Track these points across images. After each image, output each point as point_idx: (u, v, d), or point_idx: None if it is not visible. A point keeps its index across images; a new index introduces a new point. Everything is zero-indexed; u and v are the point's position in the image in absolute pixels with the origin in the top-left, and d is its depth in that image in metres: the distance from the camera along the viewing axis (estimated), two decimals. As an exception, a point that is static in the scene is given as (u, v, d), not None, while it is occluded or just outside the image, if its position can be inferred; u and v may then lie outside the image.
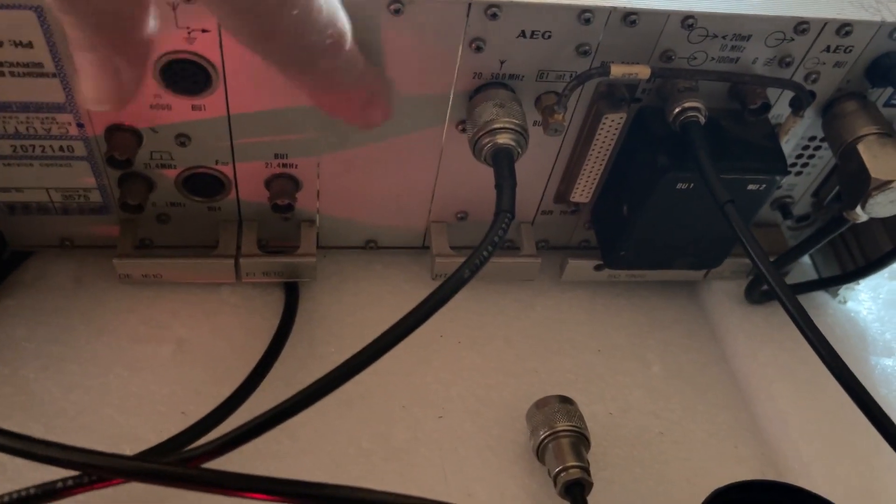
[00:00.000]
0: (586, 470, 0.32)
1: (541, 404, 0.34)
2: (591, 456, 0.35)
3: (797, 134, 0.38)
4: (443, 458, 0.34)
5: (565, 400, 0.34)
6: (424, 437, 0.35)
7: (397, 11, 0.29)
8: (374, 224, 0.41)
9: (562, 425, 0.33)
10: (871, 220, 0.37)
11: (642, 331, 0.41)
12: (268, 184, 0.37)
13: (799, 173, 0.41)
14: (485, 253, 0.29)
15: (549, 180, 0.39)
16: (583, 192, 0.38)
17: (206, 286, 0.38)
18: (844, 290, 0.44)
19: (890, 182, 0.33)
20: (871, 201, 0.34)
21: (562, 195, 0.40)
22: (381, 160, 0.36)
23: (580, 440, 0.33)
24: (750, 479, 0.31)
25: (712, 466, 0.36)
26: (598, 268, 0.41)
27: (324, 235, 0.41)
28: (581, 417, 0.34)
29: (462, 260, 0.40)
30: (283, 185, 0.36)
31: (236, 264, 0.37)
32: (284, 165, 0.36)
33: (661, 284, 0.43)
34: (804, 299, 0.43)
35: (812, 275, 0.46)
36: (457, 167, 0.37)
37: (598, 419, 0.37)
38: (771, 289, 0.30)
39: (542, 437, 0.33)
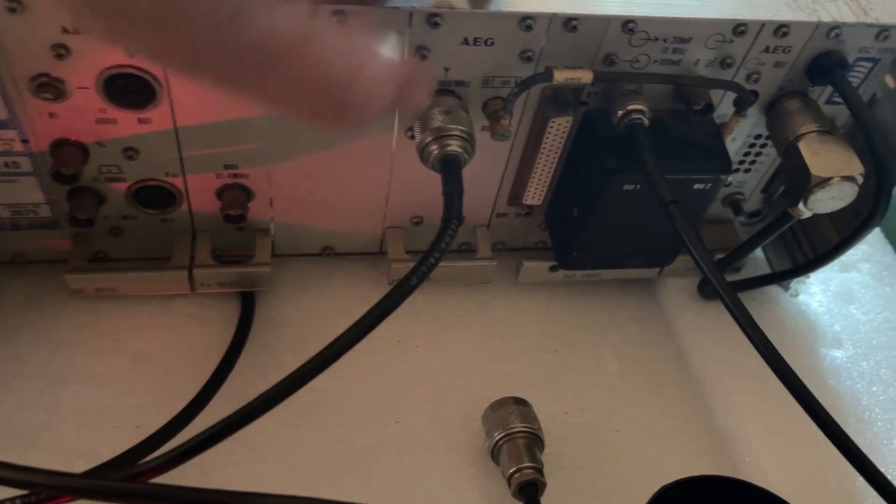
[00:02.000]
0: (539, 470, 0.32)
1: (496, 406, 0.35)
2: (548, 456, 0.35)
3: (743, 132, 0.39)
4: (402, 462, 0.35)
5: (520, 401, 0.35)
6: (383, 442, 0.35)
7: (340, 21, 0.30)
8: (330, 231, 0.41)
9: (516, 427, 0.34)
10: (818, 215, 0.38)
11: (599, 329, 0.42)
12: (219, 194, 0.37)
13: (748, 170, 0.42)
14: (432, 260, 0.30)
15: (501, 183, 0.39)
16: (534, 194, 0.39)
17: (161, 298, 0.38)
18: (796, 284, 0.45)
19: (829, 179, 0.34)
20: (812, 198, 0.35)
21: (515, 198, 0.40)
22: (332, 167, 0.37)
23: (534, 441, 0.33)
24: (704, 474, 0.31)
25: (669, 462, 0.37)
26: (553, 269, 0.42)
27: (280, 243, 0.41)
28: (535, 418, 0.34)
29: (419, 264, 0.41)
30: (235, 196, 0.37)
31: (190, 276, 0.37)
32: (235, 176, 0.36)
33: (618, 283, 0.44)
34: (757, 294, 0.45)
35: (766, 269, 0.47)
36: (409, 173, 0.38)
37: (555, 419, 0.37)
38: (712, 286, 0.31)
39: (497, 438, 0.34)
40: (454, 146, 0.32)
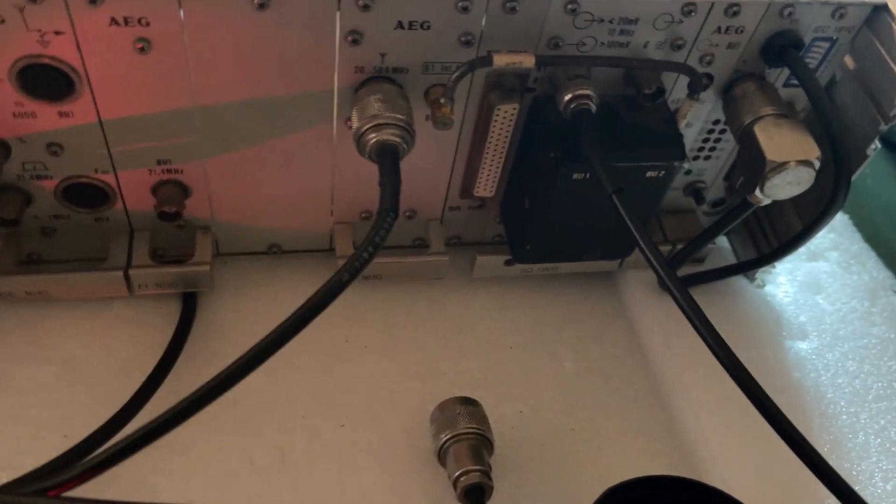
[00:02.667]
0: (486, 473, 0.31)
1: (444, 407, 0.33)
2: (501, 458, 0.34)
3: (700, 117, 0.38)
4: (342, 468, 0.33)
5: (469, 401, 0.33)
6: (324, 447, 0.34)
7: (262, 6, 0.28)
8: (275, 228, 0.39)
9: (463, 428, 0.32)
10: (783, 203, 0.37)
11: (556, 325, 0.40)
12: (154, 191, 0.35)
13: (707, 157, 0.40)
14: (365, 255, 0.28)
15: (451, 175, 0.38)
16: (485, 186, 0.37)
17: (97, 301, 0.37)
18: (762, 274, 0.43)
19: (785, 163, 0.33)
20: (768, 183, 0.33)
21: (467, 190, 0.39)
22: (271, 162, 0.35)
23: (482, 443, 0.32)
24: (659, 474, 0.30)
25: (624, 463, 0.35)
26: (508, 263, 0.40)
27: (224, 242, 0.39)
28: (485, 419, 0.33)
29: (374, 260, 0.39)
30: (170, 192, 0.35)
31: (126, 277, 0.36)
32: (169, 171, 0.34)
33: (577, 276, 0.42)
34: (721, 285, 0.43)
35: (732, 260, 0.45)
36: (354, 166, 0.36)
37: (507, 419, 0.36)
38: (660, 279, 0.29)
39: (443, 440, 0.32)
40: (391, 135, 0.30)
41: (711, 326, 0.29)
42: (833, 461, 0.35)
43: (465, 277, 0.41)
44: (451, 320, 0.40)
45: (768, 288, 0.43)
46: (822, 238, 0.46)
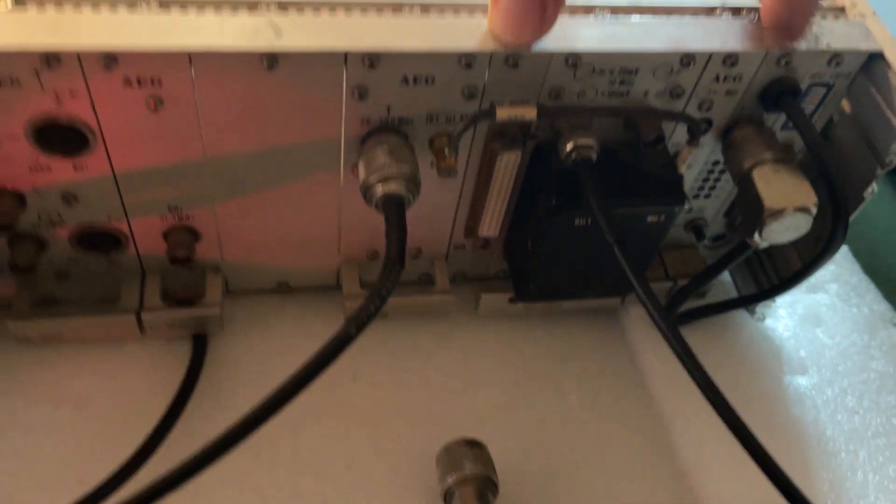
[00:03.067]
0: (491, 516, 0.32)
1: (449, 449, 0.34)
2: (505, 495, 0.34)
3: (700, 160, 0.38)
4: (350, 509, 0.34)
5: (474, 444, 0.34)
6: (332, 487, 0.34)
7: (271, 66, 0.29)
8: (283, 266, 0.40)
9: (468, 471, 0.33)
10: (781, 240, 0.37)
11: (560, 360, 0.41)
12: (166, 236, 0.36)
13: (708, 196, 0.41)
14: (372, 308, 0.29)
15: (456, 215, 0.39)
16: (489, 227, 0.38)
17: (110, 343, 0.38)
18: (762, 307, 0.44)
19: (783, 210, 0.33)
20: (766, 229, 0.34)
21: (471, 230, 0.40)
22: (279, 206, 0.36)
23: (486, 485, 0.33)
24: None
25: (630, 498, 0.36)
26: (511, 300, 0.41)
27: (233, 280, 0.40)
28: (489, 461, 0.34)
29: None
30: (181, 237, 0.36)
31: (138, 319, 0.37)
32: (180, 218, 0.35)
33: (581, 312, 0.43)
34: (722, 318, 0.44)
35: (733, 292, 0.46)
36: (360, 209, 0.36)
37: (512, 456, 0.37)
38: (654, 322, 0.30)
39: (449, 483, 0.33)
40: (397, 187, 0.31)
41: (707, 375, 0.29)
42: (832, 500, 0.36)
43: (471, 312, 0.42)
44: (456, 356, 0.40)
45: (768, 321, 0.44)
46: (823, 270, 0.47)
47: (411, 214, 0.37)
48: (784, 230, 0.34)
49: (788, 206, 0.33)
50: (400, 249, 0.30)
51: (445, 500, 0.33)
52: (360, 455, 0.36)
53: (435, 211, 0.38)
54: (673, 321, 0.30)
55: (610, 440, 0.38)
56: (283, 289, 0.41)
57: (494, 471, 0.33)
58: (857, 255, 0.49)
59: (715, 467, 0.37)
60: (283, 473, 0.35)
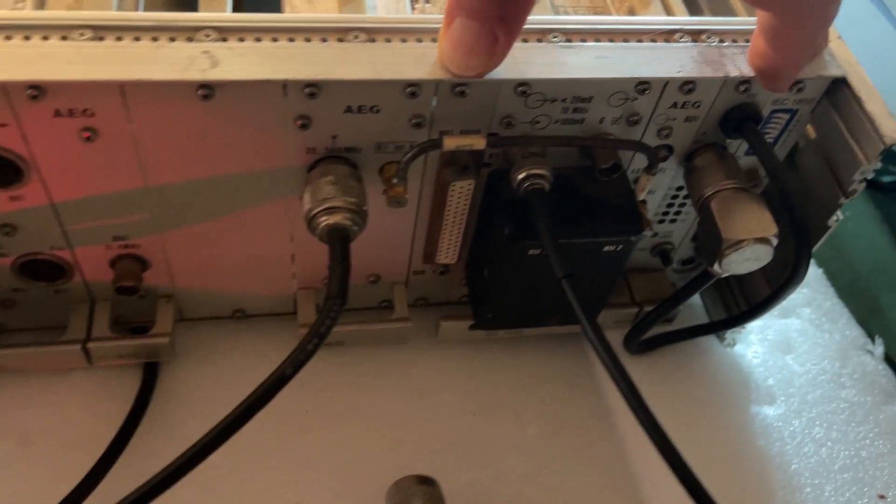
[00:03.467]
0: (438, 558, 0.31)
1: (399, 486, 0.33)
2: (457, 533, 0.34)
3: (663, 185, 0.37)
4: (295, 548, 0.33)
5: (425, 481, 0.33)
6: (279, 525, 0.34)
7: (206, 97, 0.28)
8: (238, 293, 0.39)
9: (417, 509, 0.32)
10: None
11: (522, 388, 0.40)
12: (112, 264, 0.35)
13: (673, 220, 0.40)
14: (310, 346, 0.28)
15: (413, 241, 0.38)
16: (446, 254, 0.37)
17: (57, 372, 0.37)
18: (732, 333, 0.43)
19: (741, 241, 0.32)
20: (725, 260, 0.33)
21: (429, 256, 0.39)
22: (229, 234, 0.35)
23: (435, 524, 0.32)
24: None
25: (585, 534, 0.35)
26: (472, 328, 0.40)
27: (187, 308, 0.39)
28: (440, 499, 0.33)
29: (336, 328, 0.39)
30: (128, 266, 0.35)
31: (85, 349, 0.36)
32: (126, 246, 0.34)
33: (544, 339, 0.42)
34: (690, 345, 0.43)
35: (704, 317, 0.45)
36: (311, 237, 0.36)
37: (468, 490, 0.36)
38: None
39: (397, 522, 0.32)
40: (342, 219, 0.30)
41: (651, 414, 0.28)
42: (794, 537, 0.35)
43: (432, 339, 0.41)
44: (414, 385, 0.39)
45: (738, 347, 0.43)
46: (795, 294, 0.45)
47: (366, 240, 0.36)
48: (744, 261, 0.33)
49: (748, 237, 0.32)
50: (342, 284, 0.29)
51: (393, 539, 0.32)
52: (309, 491, 0.35)
53: (391, 237, 0.37)
54: (614, 356, 0.29)
55: (570, 471, 0.37)
56: (240, 315, 0.40)
57: (444, 509, 0.33)
58: (834, 276, 0.48)
59: (672, 500, 0.36)
60: (231, 509, 0.34)
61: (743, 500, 0.36)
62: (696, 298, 0.45)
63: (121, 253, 0.35)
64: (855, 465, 0.38)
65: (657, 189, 0.38)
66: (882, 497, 0.37)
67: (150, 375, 0.37)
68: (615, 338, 0.42)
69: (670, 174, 0.37)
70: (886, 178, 0.60)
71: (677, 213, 0.39)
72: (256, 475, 0.35)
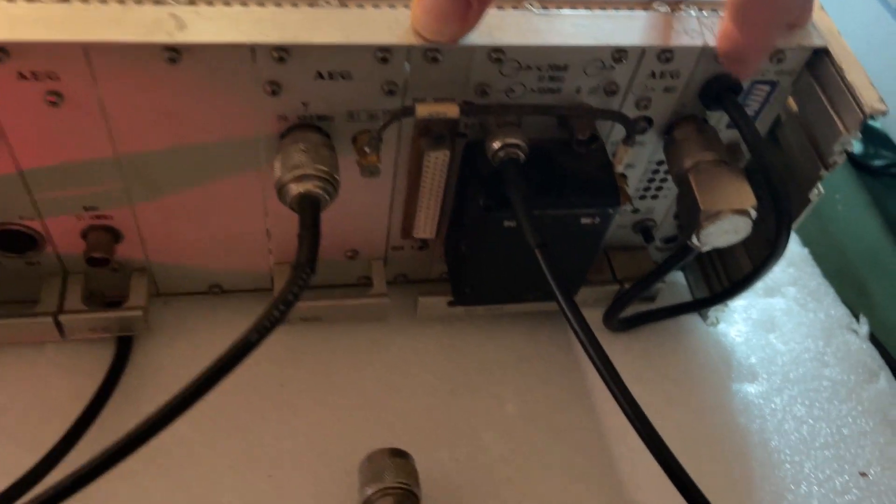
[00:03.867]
0: (409, 531, 0.31)
1: (372, 458, 0.33)
2: (430, 509, 0.33)
3: (643, 158, 0.37)
4: (266, 522, 0.33)
5: (398, 454, 0.33)
6: (251, 499, 0.33)
7: (172, 60, 0.28)
8: (213, 268, 0.39)
9: (390, 482, 0.32)
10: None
11: (501, 367, 0.40)
12: (84, 236, 0.35)
13: (655, 196, 0.40)
14: (276, 313, 0.27)
15: (390, 216, 0.37)
16: (424, 228, 0.37)
17: (29, 346, 0.36)
18: (715, 312, 0.43)
19: (719, 213, 0.32)
20: (703, 232, 0.32)
21: (407, 231, 0.38)
22: (202, 206, 0.34)
23: (407, 497, 0.31)
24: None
25: (562, 513, 0.35)
26: (451, 304, 0.40)
27: (163, 282, 0.39)
28: (413, 472, 0.32)
29: (312, 303, 0.39)
30: (99, 238, 0.35)
31: (57, 322, 0.35)
32: (98, 217, 0.34)
33: (525, 315, 0.41)
34: (672, 323, 0.43)
35: (687, 296, 0.45)
36: (287, 209, 0.35)
37: (440, 467, 0.35)
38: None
39: (368, 494, 0.31)
40: (313, 187, 0.30)
41: (625, 388, 0.28)
42: (772, 514, 0.35)
43: (411, 316, 0.41)
44: (392, 363, 0.39)
45: (721, 326, 0.43)
46: (781, 273, 0.45)
47: (343, 214, 0.36)
48: (722, 233, 0.33)
49: (725, 208, 0.32)
50: (311, 251, 0.29)
51: (364, 512, 0.32)
52: (281, 465, 0.34)
53: (368, 210, 0.37)
54: (584, 323, 0.29)
55: (547, 451, 0.37)
56: (217, 291, 0.40)
57: (418, 483, 0.32)
58: (822, 259, 0.47)
59: (647, 481, 0.35)
60: (196, 485, 0.33)
61: (722, 477, 0.35)
62: (679, 277, 0.45)
63: (92, 224, 0.34)
64: (836, 442, 0.38)
65: (637, 163, 0.37)
66: (863, 475, 0.37)
67: (123, 350, 0.37)
68: (596, 316, 0.41)
69: (650, 148, 0.36)
70: (877, 162, 0.60)
71: (658, 188, 0.39)
72: (228, 449, 0.35)
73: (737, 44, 0.30)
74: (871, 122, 0.63)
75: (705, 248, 0.34)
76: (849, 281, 0.47)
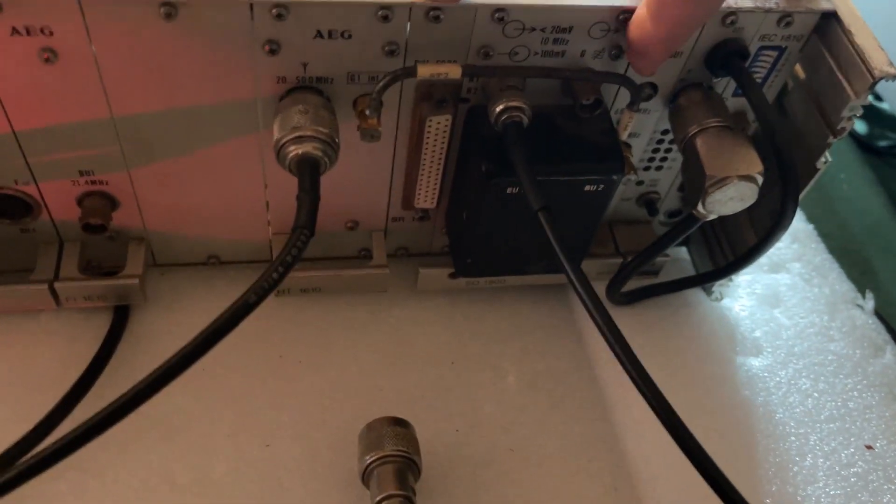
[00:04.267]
0: (410, 499, 0.30)
1: (372, 426, 0.32)
2: (430, 479, 0.33)
3: (647, 128, 0.36)
4: (264, 489, 0.32)
5: (398, 422, 0.32)
6: (247, 468, 0.33)
7: (169, 16, 0.27)
8: (211, 238, 0.38)
9: (390, 450, 0.31)
10: (738, 215, 0.35)
11: (502, 338, 0.39)
12: (80, 202, 0.34)
13: (659, 168, 0.39)
14: (275, 275, 0.27)
15: (391, 186, 0.37)
16: (425, 197, 0.36)
17: (25, 314, 0.36)
18: (719, 287, 0.42)
19: (725, 178, 0.31)
20: (709, 199, 0.32)
21: (408, 201, 0.38)
22: (199, 173, 0.34)
23: (407, 465, 0.31)
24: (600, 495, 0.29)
25: (561, 485, 0.34)
26: (452, 276, 0.39)
27: (160, 252, 0.38)
28: (413, 441, 0.32)
29: (311, 273, 0.38)
30: (96, 204, 0.34)
31: (52, 290, 0.35)
32: (93, 182, 0.34)
33: (526, 288, 0.41)
34: (676, 298, 0.42)
35: (691, 271, 0.44)
36: (286, 178, 0.35)
37: (442, 438, 0.35)
38: (581, 300, 0.28)
39: (368, 462, 0.31)
40: (312, 148, 0.29)
41: (633, 354, 0.27)
42: (777, 486, 0.34)
43: (411, 289, 0.40)
44: (392, 334, 0.38)
45: (726, 301, 0.42)
46: (786, 248, 0.45)
47: (343, 182, 0.36)
48: (728, 200, 0.32)
49: (731, 173, 0.31)
50: (310, 214, 0.28)
51: (364, 479, 0.31)
52: (279, 434, 0.34)
53: (368, 180, 0.36)
54: (593, 293, 0.28)
55: (548, 422, 0.36)
56: (214, 262, 0.39)
57: (418, 451, 0.32)
58: (827, 237, 0.47)
59: (654, 451, 0.35)
60: (194, 453, 0.33)
61: (727, 449, 0.35)
62: (682, 253, 0.44)
63: (88, 190, 0.34)
64: (842, 415, 0.37)
65: (642, 132, 0.36)
66: (869, 447, 0.36)
67: (120, 319, 0.36)
68: (600, 290, 0.41)
69: (655, 116, 0.36)
70: (883, 143, 0.60)
71: (663, 158, 0.38)
72: (225, 418, 0.34)
73: (646, 35, 0.29)
74: (876, 104, 0.63)
75: (711, 217, 0.33)
76: (854, 259, 0.47)
